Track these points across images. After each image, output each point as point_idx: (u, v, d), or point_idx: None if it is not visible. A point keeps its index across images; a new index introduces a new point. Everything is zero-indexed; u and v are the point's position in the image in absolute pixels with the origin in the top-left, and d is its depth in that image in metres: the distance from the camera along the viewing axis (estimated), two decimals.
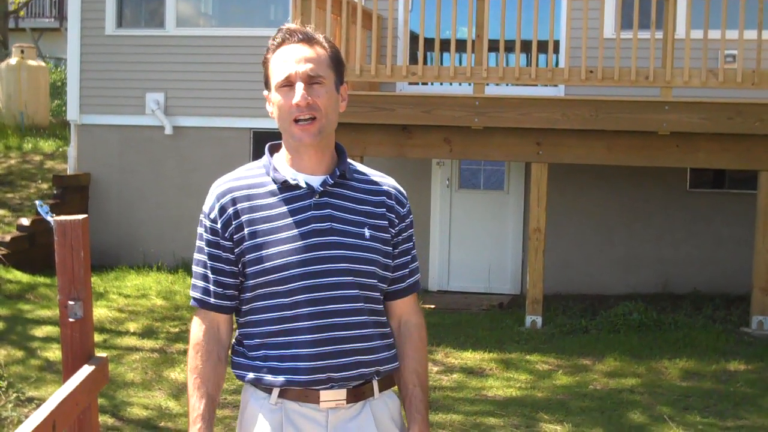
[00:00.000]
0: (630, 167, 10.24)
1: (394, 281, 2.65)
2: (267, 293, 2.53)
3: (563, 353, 8.25)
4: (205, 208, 2.59)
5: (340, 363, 2.51)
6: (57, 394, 2.59)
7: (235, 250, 2.54)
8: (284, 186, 2.56)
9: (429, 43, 9.96)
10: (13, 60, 16.42)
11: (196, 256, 2.61)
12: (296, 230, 2.52)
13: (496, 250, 11.24)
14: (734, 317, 9.42)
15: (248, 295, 2.56)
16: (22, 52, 16.45)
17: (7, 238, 10.81)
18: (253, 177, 2.59)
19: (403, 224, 2.66)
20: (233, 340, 2.65)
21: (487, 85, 9.52)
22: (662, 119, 8.81)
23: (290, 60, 2.52)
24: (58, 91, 20.09)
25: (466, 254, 11.27)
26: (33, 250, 10.98)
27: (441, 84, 10.65)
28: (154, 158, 11.96)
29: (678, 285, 10.78)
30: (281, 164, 2.60)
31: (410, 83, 10.75)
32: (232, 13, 12.21)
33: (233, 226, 2.54)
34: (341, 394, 2.53)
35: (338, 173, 2.58)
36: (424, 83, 10.69)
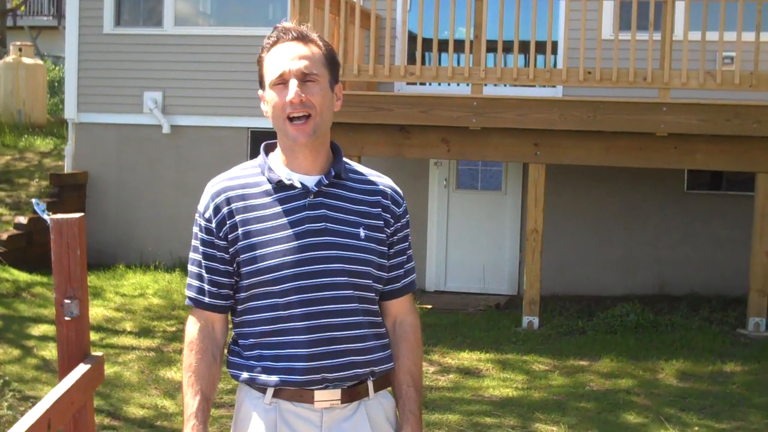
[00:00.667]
0: (627, 168, 10.24)
1: (390, 281, 2.65)
2: (261, 293, 2.52)
3: (560, 354, 8.26)
4: (200, 207, 2.59)
5: (334, 363, 2.51)
6: (52, 393, 2.59)
7: (230, 250, 2.54)
8: (279, 186, 2.55)
9: (427, 43, 9.95)
10: (10, 58, 16.38)
11: (192, 255, 2.61)
12: (291, 230, 2.51)
13: (494, 250, 11.24)
14: (731, 319, 9.42)
15: (243, 294, 2.56)
16: (20, 50, 16.40)
17: (4, 236, 10.78)
18: (248, 176, 2.59)
19: (399, 224, 2.65)
20: (229, 340, 2.65)
21: (485, 85, 9.52)
22: (660, 120, 8.80)
23: (284, 58, 2.52)
24: (55, 89, 20.06)
25: (463, 254, 11.26)
26: (30, 249, 10.95)
27: (439, 84, 10.64)
28: (151, 157, 11.94)
29: (675, 286, 10.78)
30: (276, 164, 2.60)
31: (408, 83, 10.75)
32: (231, 12, 12.20)
33: (227, 225, 2.54)
34: (336, 394, 2.53)
35: (333, 173, 2.58)
36: (422, 83, 10.69)
